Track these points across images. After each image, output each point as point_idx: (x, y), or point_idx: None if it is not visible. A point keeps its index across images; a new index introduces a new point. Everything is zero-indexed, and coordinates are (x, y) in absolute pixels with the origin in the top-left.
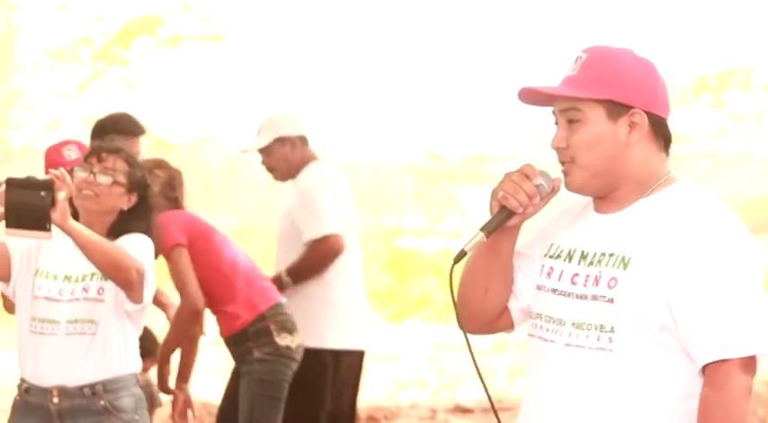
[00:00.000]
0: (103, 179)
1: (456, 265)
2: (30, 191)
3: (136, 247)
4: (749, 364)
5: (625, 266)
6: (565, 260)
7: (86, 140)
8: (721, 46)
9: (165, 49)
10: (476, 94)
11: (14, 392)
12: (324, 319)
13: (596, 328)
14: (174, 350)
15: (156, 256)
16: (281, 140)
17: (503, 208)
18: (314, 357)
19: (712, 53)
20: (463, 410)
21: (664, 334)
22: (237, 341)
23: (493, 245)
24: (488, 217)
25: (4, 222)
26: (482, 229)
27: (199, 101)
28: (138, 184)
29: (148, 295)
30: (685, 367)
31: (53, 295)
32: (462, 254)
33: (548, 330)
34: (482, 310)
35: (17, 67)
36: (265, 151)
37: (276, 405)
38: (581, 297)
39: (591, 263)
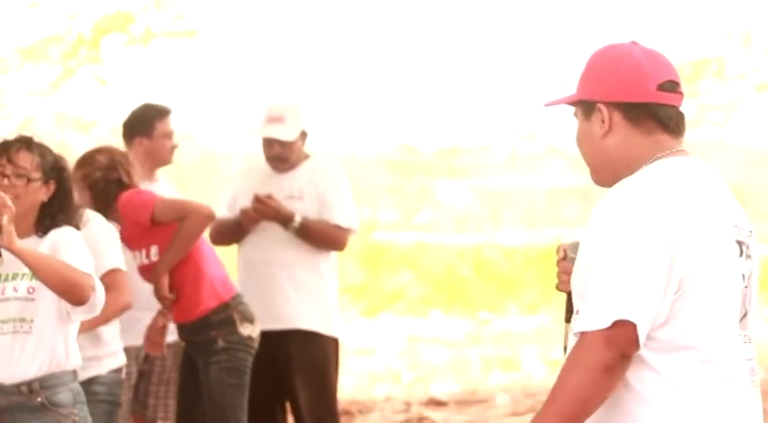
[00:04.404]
0: (18, 182)
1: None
2: None
3: (75, 253)
4: (595, 339)
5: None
6: None
7: (56, 138)
8: (695, 35)
9: (137, 46)
10: (449, 86)
11: None
12: (329, 308)
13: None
14: (179, 257)
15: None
16: (303, 135)
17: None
18: (333, 344)
19: (686, 42)
20: (437, 403)
21: None
22: (198, 329)
23: None
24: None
25: None
26: (566, 321)
27: (172, 97)
28: (52, 170)
29: (100, 307)
30: None
31: None
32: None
33: None
34: None
35: None
36: (290, 143)
37: (243, 391)
38: None
39: None
